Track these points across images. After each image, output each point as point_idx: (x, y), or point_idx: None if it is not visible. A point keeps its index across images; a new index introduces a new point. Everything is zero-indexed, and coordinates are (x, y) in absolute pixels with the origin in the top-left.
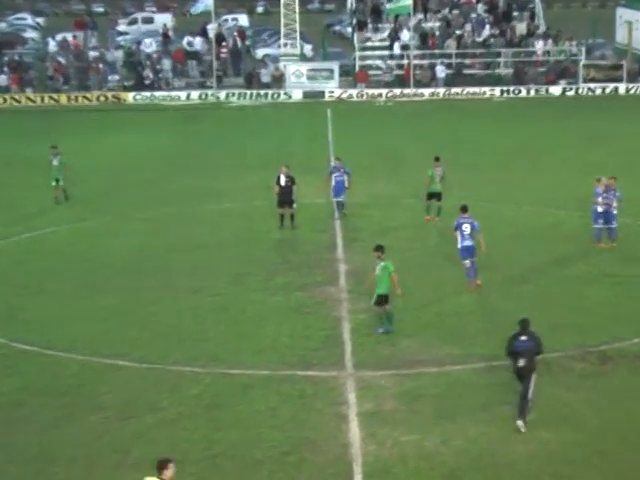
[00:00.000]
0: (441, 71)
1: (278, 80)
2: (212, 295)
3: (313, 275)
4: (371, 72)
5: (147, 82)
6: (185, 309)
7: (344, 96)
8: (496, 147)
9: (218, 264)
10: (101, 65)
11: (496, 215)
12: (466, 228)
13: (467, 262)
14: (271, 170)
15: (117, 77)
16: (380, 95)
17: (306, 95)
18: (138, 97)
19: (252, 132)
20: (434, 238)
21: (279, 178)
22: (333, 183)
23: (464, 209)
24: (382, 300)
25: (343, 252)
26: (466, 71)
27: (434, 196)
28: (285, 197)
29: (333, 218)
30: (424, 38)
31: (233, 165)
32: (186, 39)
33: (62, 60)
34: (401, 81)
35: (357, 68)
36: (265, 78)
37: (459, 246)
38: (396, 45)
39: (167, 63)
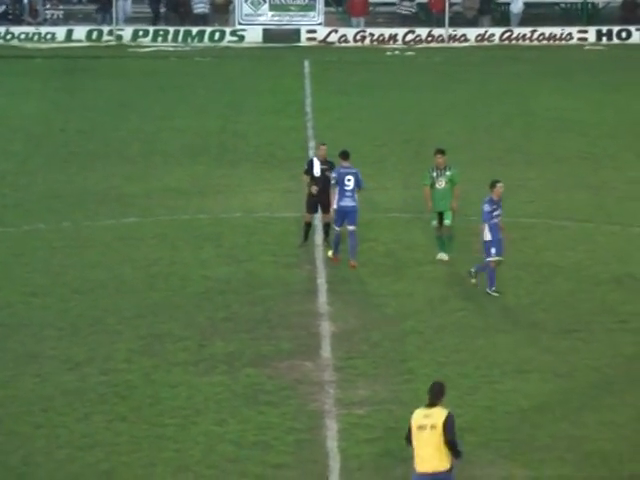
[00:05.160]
0: (517, 3)
1: (222, 10)
2: (102, 372)
3: (277, 340)
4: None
5: None
6: (54, 396)
7: (333, 39)
8: (589, 127)
9: (116, 319)
10: None
11: (592, 244)
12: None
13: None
14: (207, 162)
15: None
16: (394, 38)
17: (269, 37)
18: None
19: (176, 98)
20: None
21: (311, 165)
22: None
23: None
24: None
25: (328, 301)
26: None
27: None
28: (320, 196)
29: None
30: None
31: (144, 153)
32: None
33: None
34: (428, 15)
35: None
36: (200, 7)
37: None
38: None
39: None
